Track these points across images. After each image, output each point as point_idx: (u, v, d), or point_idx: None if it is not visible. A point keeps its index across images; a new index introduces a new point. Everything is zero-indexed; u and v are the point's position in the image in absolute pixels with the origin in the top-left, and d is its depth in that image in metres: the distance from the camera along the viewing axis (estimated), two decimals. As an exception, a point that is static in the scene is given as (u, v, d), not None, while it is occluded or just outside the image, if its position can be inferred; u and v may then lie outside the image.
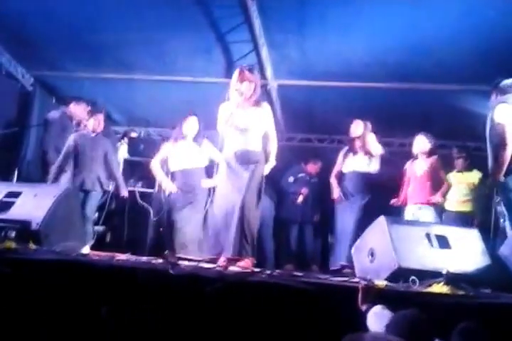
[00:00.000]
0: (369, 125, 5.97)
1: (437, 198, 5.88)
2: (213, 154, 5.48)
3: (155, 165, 5.68)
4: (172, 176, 5.59)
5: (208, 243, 4.50)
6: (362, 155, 5.89)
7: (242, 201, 4.41)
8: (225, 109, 4.62)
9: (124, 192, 6.10)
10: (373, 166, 5.89)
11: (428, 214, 5.79)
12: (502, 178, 4.11)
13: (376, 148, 5.89)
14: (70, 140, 5.87)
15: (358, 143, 5.93)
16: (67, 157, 5.81)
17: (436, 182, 6.00)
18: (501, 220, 4.77)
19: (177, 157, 5.59)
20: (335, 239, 6.06)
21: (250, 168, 4.55)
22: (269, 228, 7.11)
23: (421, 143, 6.04)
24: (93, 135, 5.97)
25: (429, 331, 2.41)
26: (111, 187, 6.15)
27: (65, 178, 5.72)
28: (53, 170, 5.79)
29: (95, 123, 6.00)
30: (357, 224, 5.45)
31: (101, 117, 6.07)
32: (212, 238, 4.57)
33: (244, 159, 4.57)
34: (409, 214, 5.86)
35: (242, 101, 4.60)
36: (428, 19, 5.46)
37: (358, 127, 5.98)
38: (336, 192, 5.95)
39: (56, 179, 5.72)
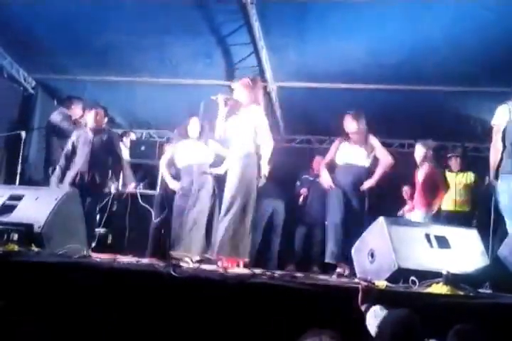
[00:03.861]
0: (362, 119, 5.50)
1: (433, 206, 5.84)
2: (219, 150, 5.56)
3: (162, 164, 5.88)
4: (179, 174, 5.71)
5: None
6: (357, 149, 5.43)
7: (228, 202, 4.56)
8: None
9: (129, 188, 6.11)
10: (366, 160, 5.44)
11: (429, 219, 5.78)
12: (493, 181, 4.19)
13: (383, 155, 5.49)
14: (72, 138, 5.84)
15: (354, 138, 5.45)
16: (68, 156, 5.79)
17: (433, 189, 5.95)
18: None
19: (182, 154, 5.68)
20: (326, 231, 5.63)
21: (238, 169, 4.64)
22: (277, 230, 7.13)
23: (418, 151, 5.99)
24: (91, 131, 5.86)
25: (420, 331, 2.44)
26: (112, 188, 6.19)
27: (68, 177, 5.71)
28: (57, 171, 5.77)
29: (93, 119, 5.88)
30: (344, 217, 5.22)
31: (98, 113, 5.96)
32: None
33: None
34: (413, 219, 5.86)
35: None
36: (427, 22, 5.51)
37: (351, 123, 5.48)
38: (327, 182, 5.48)
39: (61, 179, 5.70)
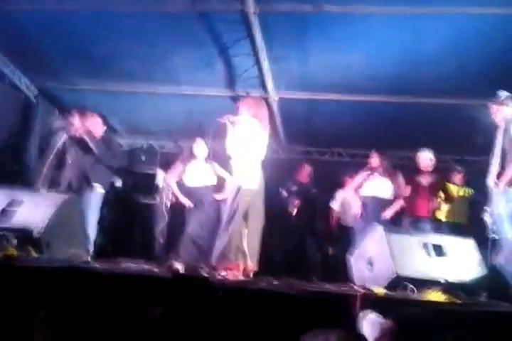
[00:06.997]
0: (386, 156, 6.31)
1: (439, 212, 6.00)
2: (222, 173, 5.97)
3: (171, 182, 6.23)
4: (186, 191, 6.10)
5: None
6: (385, 181, 6.12)
7: None
8: None
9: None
10: (389, 192, 6.11)
11: (427, 228, 5.85)
12: (506, 188, 4.22)
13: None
14: (62, 140, 5.74)
15: (380, 171, 6.19)
16: (56, 158, 5.70)
17: (437, 196, 6.09)
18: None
19: (190, 175, 6.11)
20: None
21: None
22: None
23: (427, 158, 6.15)
24: (81, 137, 5.77)
25: None
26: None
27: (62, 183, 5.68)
28: (43, 171, 5.67)
29: (85, 125, 5.81)
30: None
31: (91, 119, 5.90)
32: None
33: None
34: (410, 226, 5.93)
35: None
36: (427, 35, 5.55)
37: (375, 159, 6.27)
38: (358, 207, 6.12)
39: (46, 181, 5.62)
